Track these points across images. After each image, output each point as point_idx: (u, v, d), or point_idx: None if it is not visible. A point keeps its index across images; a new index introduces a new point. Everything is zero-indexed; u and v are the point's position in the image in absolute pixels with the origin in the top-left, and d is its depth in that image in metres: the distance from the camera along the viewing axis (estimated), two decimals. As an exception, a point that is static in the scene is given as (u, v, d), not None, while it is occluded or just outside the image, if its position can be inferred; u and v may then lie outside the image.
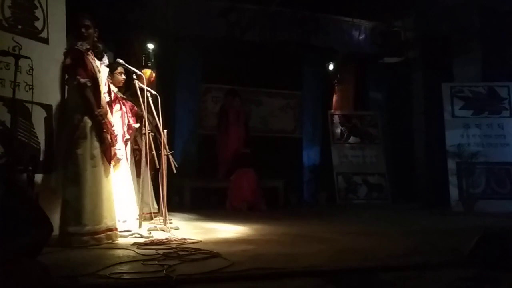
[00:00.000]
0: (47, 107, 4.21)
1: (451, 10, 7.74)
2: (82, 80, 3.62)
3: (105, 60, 4.02)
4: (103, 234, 3.63)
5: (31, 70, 3.93)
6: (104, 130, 3.77)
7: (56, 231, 3.38)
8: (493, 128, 7.57)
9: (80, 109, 3.66)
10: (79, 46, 3.72)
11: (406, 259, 3.06)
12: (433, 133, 8.08)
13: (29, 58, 3.60)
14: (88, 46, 3.79)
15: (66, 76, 4.02)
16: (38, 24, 4.31)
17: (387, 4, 7.93)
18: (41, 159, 4.07)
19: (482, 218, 5.98)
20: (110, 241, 3.68)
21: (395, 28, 8.73)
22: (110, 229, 3.72)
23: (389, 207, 8.13)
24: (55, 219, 3.49)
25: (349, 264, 2.95)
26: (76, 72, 3.63)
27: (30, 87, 3.96)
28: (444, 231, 4.85)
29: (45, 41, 4.34)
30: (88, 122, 3.66)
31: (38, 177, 3.84)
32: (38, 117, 4.12)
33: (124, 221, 4.25)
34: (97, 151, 3.69)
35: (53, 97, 4.20)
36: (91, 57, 3.81)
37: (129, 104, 4.93)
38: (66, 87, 4.12)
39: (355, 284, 2.46)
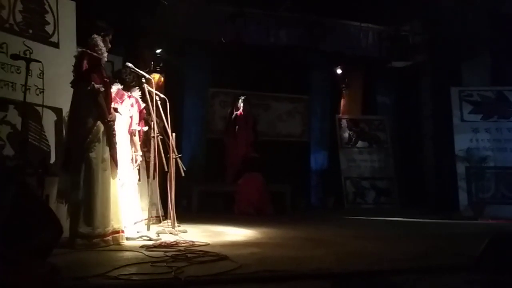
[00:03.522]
0: (57, 111, 4.27)
1: (460, 14, 7.71)
2: (97, 86, 3.65)
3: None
4: (110, 237, 3.67)
5: (41, 74, 3.99)
6: (114, 134, 3.82)
7: (65, 233, 3.41)
8: (502, 132, 7.51)
9: (93, 114, 3.68)
10: (97, 50, 3.75)
11: (415, 262, 3.05)
12: (442, 138, 8.03)
13: (39, 62, 3.64)
14: (105, 55, 3.84)
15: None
16: (49, 29, 4.38)
17: (395, 8, 7.92)
18: (51, 162, 4.12)
19: (491, 223, 5.94)
20: (116, 243, 3.70)
21: (403, 32, 8.70)
22: (117, 232, 3.76)
23: (397, 212, 8.08)
24: (64, 221, 3.52)
25: (357, 267, 2.94)
26: (91, 78, 3.66)
27: (41, 90, 4.02)
28: (454, 235, 4.82)
29: (56, 45, 4.40)
30: (101, 127, 3.70)
31: (48, 180, 3.88)
32: (49, 121, 4.18)
33: (133, 224, 4.28)
34: (107, 155, 3.74)
35: (63, 101, 4.24)
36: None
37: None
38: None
39: (363, 287, 2.45)
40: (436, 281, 2.62)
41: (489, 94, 7.69)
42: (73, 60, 3.81)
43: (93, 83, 3.63)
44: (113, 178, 3.83)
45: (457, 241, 4.33)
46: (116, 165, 3.87)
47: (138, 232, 4.19)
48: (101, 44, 3.80)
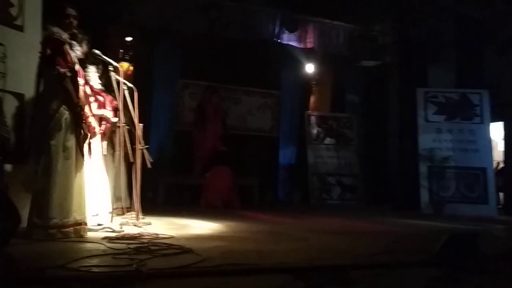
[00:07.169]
0: (19, 96, 4.12)
1: (427, 16, 7.90)
2: (62, 70, 3.52)
3: (77, 49, 3.88)
4: (71, 228, 3.54)
5: (4, 58, 3.84)
6: (83, 122, 3.70)
7: (24, 223, 3.31)
8: (464, 133, 7.77)
9: (56, 100, 3.55)
10: (58, 35, 3.62)
11: (376, 258, 3.11)
12: (406, 137, 8.24)
13: (3, 45, 3.52)
14: (68, 36, 3.70)
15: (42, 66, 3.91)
16: (13, 11, 4.21)
17: (366, 8, 8.04)
18: (11, 149, 3.98)
19: (451, 221, 6.13)
20: (78, 235, 3.59)
21: (373, 33, 8.85)
22: (79, 223, 3.62)
23: (361, 208, 8.25)
24: (24, 211, 3.41)
25: (320, 261, 2.98)
26: (55, 62, 3.52)
27: (3, 75, 3.88)
28: (414, 232, 4.95)
29: (20, 28, 4.24)
30: (64, 113, 3.56)
31: (8, 168, 3.75)
32: (10, 106, 4.03)
33: (96, 215, 4.20)
34: (70, 143, 3.59)
35: (26, 86, 4.10)
36: (69, 48, 3.71)
37: (109, 97, 4.84)
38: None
39: (325, 281, 2.48)
40: (397, 276, 2.68)
41: (453, 96, 7.94)
42: (38, 44, 3.68)
43: (58, 67, 3.51)
44: (79, 168, 3.71)
45: (417, 238, 4.44)
46: (83, 155, 3.74)
47: (99, 224, 4.10)
48: (56, 28, 3.65)
